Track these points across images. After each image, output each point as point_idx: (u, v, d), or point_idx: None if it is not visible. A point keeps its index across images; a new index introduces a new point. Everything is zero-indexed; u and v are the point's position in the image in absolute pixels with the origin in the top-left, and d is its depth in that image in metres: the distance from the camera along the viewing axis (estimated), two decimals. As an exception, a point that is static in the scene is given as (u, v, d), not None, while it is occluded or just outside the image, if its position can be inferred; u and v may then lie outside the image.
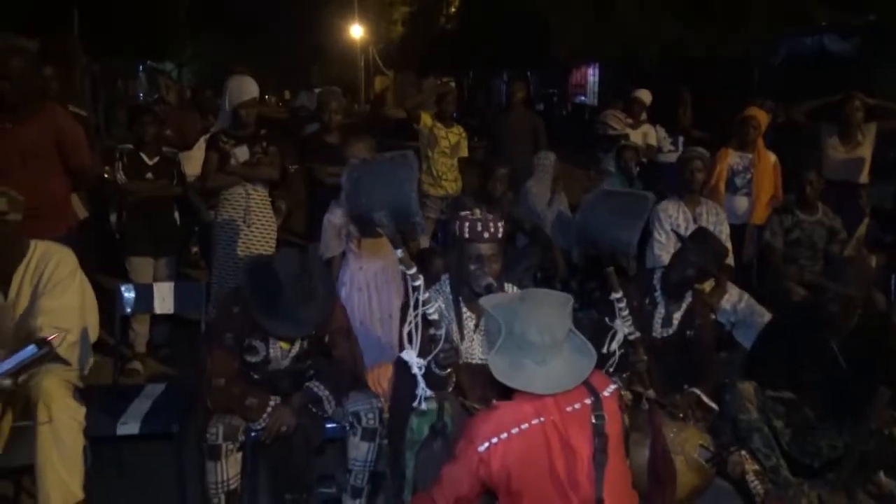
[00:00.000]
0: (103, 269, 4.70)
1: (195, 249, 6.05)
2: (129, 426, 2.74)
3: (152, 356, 4.31)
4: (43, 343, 1.40)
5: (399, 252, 2.26)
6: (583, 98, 19.33)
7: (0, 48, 3.80)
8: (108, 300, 3.21)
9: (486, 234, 2.59)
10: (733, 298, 3.92)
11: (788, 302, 3.97)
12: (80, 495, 2.51)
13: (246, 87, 4.07)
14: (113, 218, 5.27)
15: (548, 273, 4.51)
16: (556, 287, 3.89)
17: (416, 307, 2.30)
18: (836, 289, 2.96)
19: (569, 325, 2.00)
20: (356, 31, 23.93)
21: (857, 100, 4.92)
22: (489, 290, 2.52)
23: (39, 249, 2.73)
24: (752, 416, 2.98)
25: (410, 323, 2.32)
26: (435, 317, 2.34)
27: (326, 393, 2.59)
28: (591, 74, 18.96)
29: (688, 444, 2.87)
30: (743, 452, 2.98)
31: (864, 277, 3.01)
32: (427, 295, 2.33)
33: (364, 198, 2.21)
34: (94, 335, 2.89)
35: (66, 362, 2.60)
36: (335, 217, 3.47)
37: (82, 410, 2.56)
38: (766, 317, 3.71)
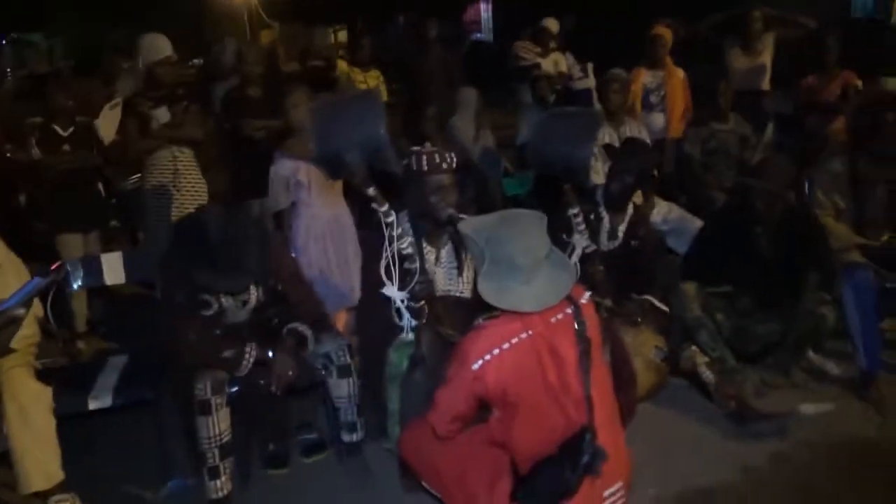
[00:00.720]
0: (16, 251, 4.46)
1: (114, 223, 5.79)
2: (101, 400, 2.68)
3: (93, 333, 4.17)
4: (47, 273, 1.36)
5: (371, 190, 2.28)
6: (479, 35, 19.29)
7: None
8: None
9: (443, 165, 2.64)
10: (663, 210, 4.14)
11: (712, 207, 4.23)
12: (60, 475, 2.47)
13: (160, 45, 3.91)
14: (22, 198, 5.00)
15: (484, 206, 4.60)
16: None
17: (391, 243, 2.35)
18: (760, 186, 3.17)
19: (548, 242, 2.09)
20: (237, -14, 22.76)
21: (755, 11, 5.18)
22: (451, 220, 2.59)
23: None
24: (697, 314, 3.21)
25: (386, 258, 2.37)
26: (409, 251, 2.39)
27: (309, 332, 2.60)
28: (484, 10, 18.94)
29: (644, 347, 3.07)
30: (693, 348, 3.23)
31: (783, 175, 3.24)
32: (400, 230, 2.37)
33: (334, 139, 2.20)
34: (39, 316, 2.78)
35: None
36: (282, 168, 3.43)
37: (48, 390, 2.50)
38: (696, 222, 3.94)
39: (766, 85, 5.26)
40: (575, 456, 1.95)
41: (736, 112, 4.65)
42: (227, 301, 2.64)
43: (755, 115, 4.99)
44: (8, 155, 4.30)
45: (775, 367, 3.31)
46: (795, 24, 5.51)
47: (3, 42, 18.79)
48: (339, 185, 3.61)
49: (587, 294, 2.20)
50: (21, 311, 1.17)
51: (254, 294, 2.71)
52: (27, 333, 2.56)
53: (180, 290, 2.54)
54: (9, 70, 17.01)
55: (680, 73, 5.07)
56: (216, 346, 2.51)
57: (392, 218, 2.34)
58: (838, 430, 2.94)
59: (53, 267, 1.41)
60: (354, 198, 3.80)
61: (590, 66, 6.28)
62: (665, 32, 5.09)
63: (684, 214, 4.12)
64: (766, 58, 5.20)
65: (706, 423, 3.03)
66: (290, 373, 2.52)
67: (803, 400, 3.13)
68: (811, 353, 3.37)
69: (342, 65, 5.48)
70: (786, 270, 3.23)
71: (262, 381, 2.57)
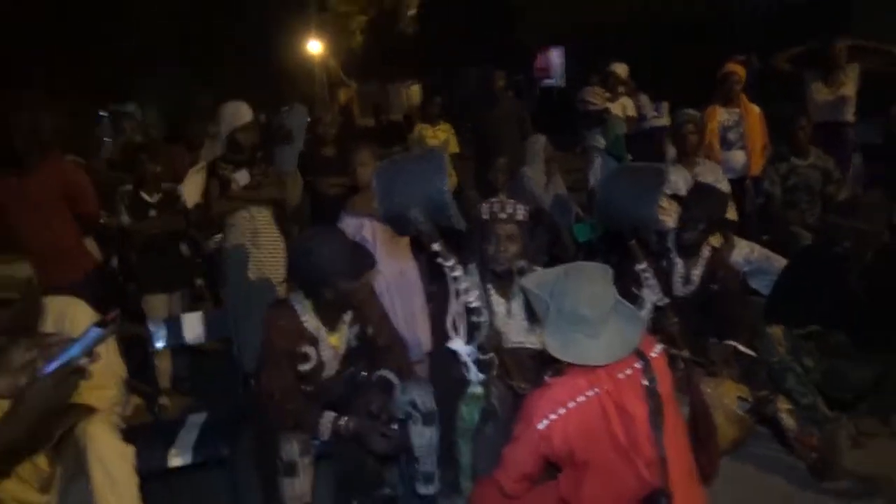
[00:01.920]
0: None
1: (199, 282, 6.03)
2: (181, 457, 2.74)
3: (176, 390, 4.31)
4: (105, 323, 1.40)
5: (436, 245, 2.29)
6: (549, 81, 19.41)
7: (8, 101, 3.76)
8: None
9: (503, 215, 2.65)
10: (744, 251, 3.98)
11: (797, 245, 4.04)
12: (143, 533, 2.52)
13: (241, 112, 4.08)
14: (114, 262, 5.26)
15: (557, 253, 4.56)
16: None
17: (457, 296, 2.34)
18: (849, 224, 3.01)
19: (614, 294, 2.04)
20: (314, 47, 23.85)
21: (837, 42, 5.02)
22: (521, 272, 2.57)
23: (53, 306, 2.65)
24: (784, 358, 3.03)
25: (453, 313, 2.36)
26: (476, 304, 2.38)
27: (396, 379, 2.60)
28: (556, 56, 19.06)
29: (726, 398, 2.92)
30: (781, 397, 3.04)
31: (876, 212, 3.07)
32: (466, 284, 2.36)
33: (398, 197, 2.24)
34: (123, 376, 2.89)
35: None
36: (347, 226, 3.49)
37: (132, 449, 2.56)
38: (781, 262, 3.77)
39: (850, 117, 5.06)
40: (650, 520, 1.87)
41: (817, 146, 4.47)
42: (325, 352, 2.67)
43: (840, 148, 4.80)
44: (102, 221, 4.55)
45: (872, 414, 3.09)
46: (886, 54, 5.28)
47: (102, 114, 20.08)
48: (405, 240, 3.65)
49: (658, 347, 2.13)
50: (84, 360, 1.21)
51: (345, 338, 2.73)
52: (110, 395, 2.66)
53: (282, 343, 2.57)
54: (106, 139, 18.15)
55: (756, 109, 4.95)
56: (301, 408, 2.51)
57: (458, 272, 2.34)
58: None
59: (110, 317, 1.45)
60: (423, 251, 3.83)
61: (664, 104, 6.21)
62: (737, 69, 4.98)
63: (768, 254, 3.95)
64: (850, 89, 5.01)
65: (796, 477, 2.85)
66: (392, 436, 2.48)
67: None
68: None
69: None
70: (881, 310, 3.03)
71: (347, 443, 2.57)
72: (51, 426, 2.53)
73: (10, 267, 2.49)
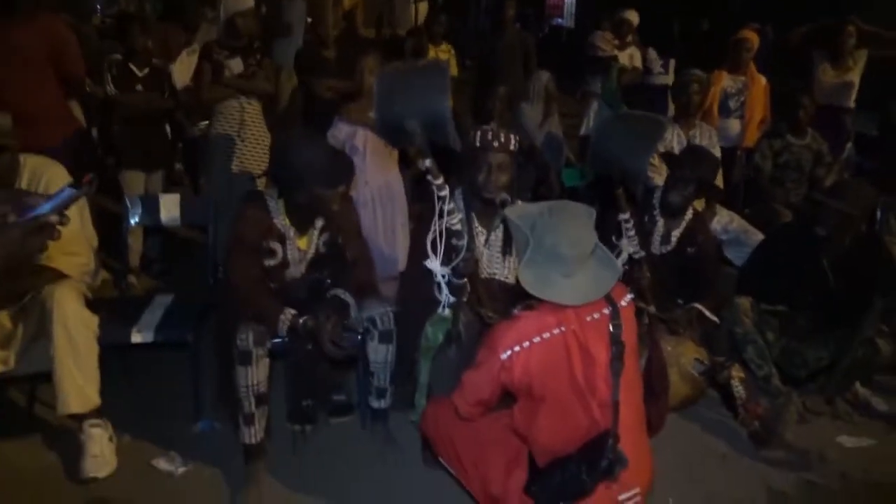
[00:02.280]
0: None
1: (178, 166, 5.94)
2: (143, 334, 2.76)
3: (144, 270, 4.30)
4: (80, 185, 1.38)
5: (428, 162, 2.27)
6: (559, 20, 18.94)
7: None
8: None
9: (496, 143, 2.62)
10: (724, 219, 4.02)
11: (776, 223, 4.09)
12: (97, 401, 2.55)
13: (243, -3, 3.94)
14: (94, 132, 5.15)
15: (542, 193, 4.55)
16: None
17: (441, 216, 2.34)
18: (835, 205, 3.04)
19: (595, 237, 2.05)
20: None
21: (850, 25, 4.96)
22: (503, 204, 2.56)
23: (29, 165, 2.61)
24: (748, 329, 3.12)
25: (434, 232, 2.36)
26: (458, 227, 2.38)
27: (352, 300, 2.62)
28: (569, -5, 18.59)
29: (683, 358, 3.00)
30: (736, 365, 3.14)
31: (862, 199, 3.10)
32: (451, 205, 2.36)
33: (397, 106, 2.20)
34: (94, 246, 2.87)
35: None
36: (339, 132, 3.45)
37: (95, 319, 2.57)
38: (758, 236, 3.81)
39: (851, 103, 5.04)
40: (594, 459, 1.93)
41: (815, 128, 4.47)
42: (291, 251, 2.67)
43: (835, 133, 4.80)
44: (88, 89, 4.42)
45: (820, 393, 3.22)
46: (893, 44, 5.23)
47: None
48: (394, 154, 3.62)
49: (628, 297, 2.15)
50: (53, 218, 1.19)
51: (315, 242, 2.73)
52: (81, 262, 2.64)
53: (251, 234, 2.57)
54: (99, 7, 17.48)
55: (762, 81, 4.89)
56: (263, 301, 2.52)
57: (445, 192, 2.33)
58: (876, 469, 2.83)
59: (86, 179, 1.41)
60: (408, 169, 3.81)
61: (671, 62, 6.11)
62: (752, 36, 4.90)
63: (746, 226, 3.99)
64: (856, 75, 4.98)
65: (737, 441, 2.97)
66: (341, 347, 2.49)
67: (844, 432, 3.03)
68: (858, 386, 3.25)
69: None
70: (847, 296, 3.11)
71: (303, 342, 2.60)
72: (19, 285, 2.53)
73: None
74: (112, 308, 2.85)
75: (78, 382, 2.49)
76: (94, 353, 2.55)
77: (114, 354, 2.79)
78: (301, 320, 2.46)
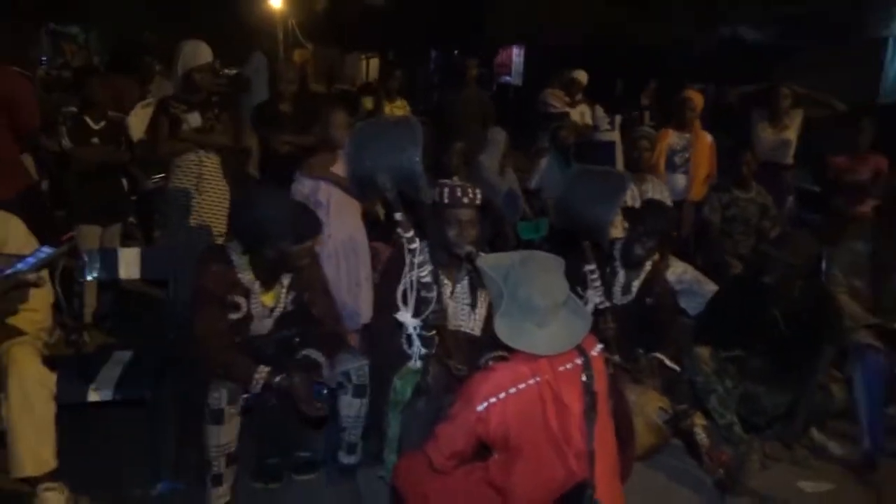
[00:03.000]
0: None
1: (131, 219, 5.84)
2: (101, 392, 2.67)
3: (97, 326, 4.17)
4: (59, 243, 1.36)
5: (398, 215, 2.30)
6: (507, 78, 19.52)
7: None
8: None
9: (465, 200, 2.67)
10: (678, 270, 4.12)
11: (726, 273, 4.23)
12: (53, 464, 2.45)
13: (200, 52, 3.96)
14: (45, 185, 5.04)
15: (498, 245, 4.61)
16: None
17: (411, 269, 2.36)
18: (780, 256, 3.17)
19: (566, 287, 2.09)
20: (276, 1, 23.21)
21: (784, 88, 5.26)
22: (469, 257, 2.60)
23: None
24: (709, 378, 3.18)
25: (405, 284, 2.37)
26: (428, 279, 2.40)
27: (323, 359, 2.59)
28: (517, 55, 19.17)
29: (647, 407, 3.04)
30: (698, 413, 3.19)
31: (804, 249, 3.24)
32: (421, 258, 2.38)
33: (368, 160, 2.23)
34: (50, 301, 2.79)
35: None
36: (303, 186, 3.46)
37: (52, 377, 2.50)
38: (710, 285, 3.94)
39: (790, 160, 5.30)
40: (574, 509, 1.94)
41: (758, 183, 4.68)
42: (255, 306, 2.64)
43: (777, 187, 5.03)
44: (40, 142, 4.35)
45: (778, 439, 3.29)
46: (826, 106, 5.56)
47: (42, 32, 19.06)
48: (357, 207, 3.64)
49: (598, 346, 2.20)
50: (31, 276, 1.17)
51: (283, 300, 2.71)
52: (38, 318, 2.56)
53: (214, 288, 2.53)
54: (44, 59, 17.26)
55: (707, 138, 5.11)
56: (235, 357, 2.47)
57: (416, 245, 2.36)
58: (835, 512, 2.90)
59: (64, 238, 1.40)
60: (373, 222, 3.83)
61: (617, 118, 6.36)
62: (695, 96, 5.14)
63: (699, 277, 4.11)
64: (792, 133, 5.24)
65: (702, 489, 2.99)
66: (318, 405, 2.47)
67: (803, 477, 3.10)
68: (815, 432, 3.34)
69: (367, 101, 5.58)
70: (799, 343, 3.21)
71: (272, 399, 2.57)
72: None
73: None
74: (69, 365, 2.76)
75: (32, 444, 2.40)
76: (51, 413, 2.46)
77: (72, 411, 2.68)
78: (276, 378, 2.42)
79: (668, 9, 11.06)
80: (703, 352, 3.22)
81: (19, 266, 1.18)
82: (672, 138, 5.07)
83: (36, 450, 2.40)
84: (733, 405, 3.18)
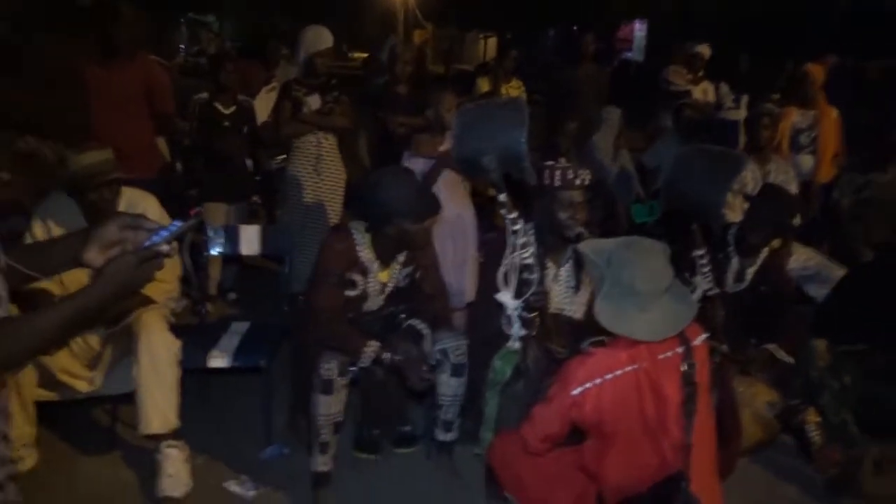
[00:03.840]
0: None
1: (255, 199, 6.15)
2: (220, 359, 2.86)
3: (220, 298, 4.45)
4: (187, 217, 1.47)
5: (502, 196, 2.31)
6: (629, 54, 18.94)
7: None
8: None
9: (577, 182, 2.63)
10: (802, 257, 3.90)
11: (857, 260, 3.95)
12: (177, 423, 2.65)
13: (322, 37, 4.11)
14: (178, 166, 5.39)
15: (610, 228, 4.52)
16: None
17: (514, 251, 2.36)
18: None
19: (671, 273, 2.04)
20: (397, -16, 23.52)
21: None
22: (579, 238, 2.57)
23: (126, 196, 2.81)
24: (823, 374, 3.00)
25: (506, 265, 2.38)
26: (530, 261, 2.40)
27: (427, 330, 2.64)
28: (639, 29, 18.58)
29: (756, 400, 2.92)
30: (811, 409, 3.02)
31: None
32: (524, 239, 2.38)
33: (474, 142, 2.25)
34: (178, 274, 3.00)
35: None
36: (413, 165, 3.52)
37: (178, 343, 2.69)
38: (839, 271, 3.70)
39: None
40: (666, 500, 1.90)
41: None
42: (372, 284, 2.72)
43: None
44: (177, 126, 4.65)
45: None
46: None
47: (180, 21, 20.33)
48: (465, 185, 3.67)
49: (703, 336, 2.12)
50: (165, 247, 1.26)
51: (395, 276, 2.78)
52: (168, 288, 2.79)
53: (336, 266, 2.63)
54: (182, 47, 18.43)
55: (833, 113, 4.76)
56: (348, 331, 2.57)
57: (519, 226, 2.36)
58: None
59: (193, 212, 1.51)
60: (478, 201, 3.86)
61: (744, 97, 6.03)
62: (815, 70, 4.79)
63: (825, 262, 3.87)
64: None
65: (811, 488, 2.85)
66: (426, 377, 2.52)
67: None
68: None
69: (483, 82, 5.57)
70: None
71: (379, 372, 2.66)
72: (119, 310, 2.67)
73: (103, 152, 2.64)
74: (192, 333, 2.97)
75: (159, 404, 2.59)
76: (176, 377, 2.66)
77: (193, 376, 2.89)
78: (386, 353, 2.50)
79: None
80: (820, 345, 3.03)
81: (154, 238, 1.27)
82: (796, 117, 4.76)
83: (162, 409, 2.60)
84: (849, 404, 2.98)
